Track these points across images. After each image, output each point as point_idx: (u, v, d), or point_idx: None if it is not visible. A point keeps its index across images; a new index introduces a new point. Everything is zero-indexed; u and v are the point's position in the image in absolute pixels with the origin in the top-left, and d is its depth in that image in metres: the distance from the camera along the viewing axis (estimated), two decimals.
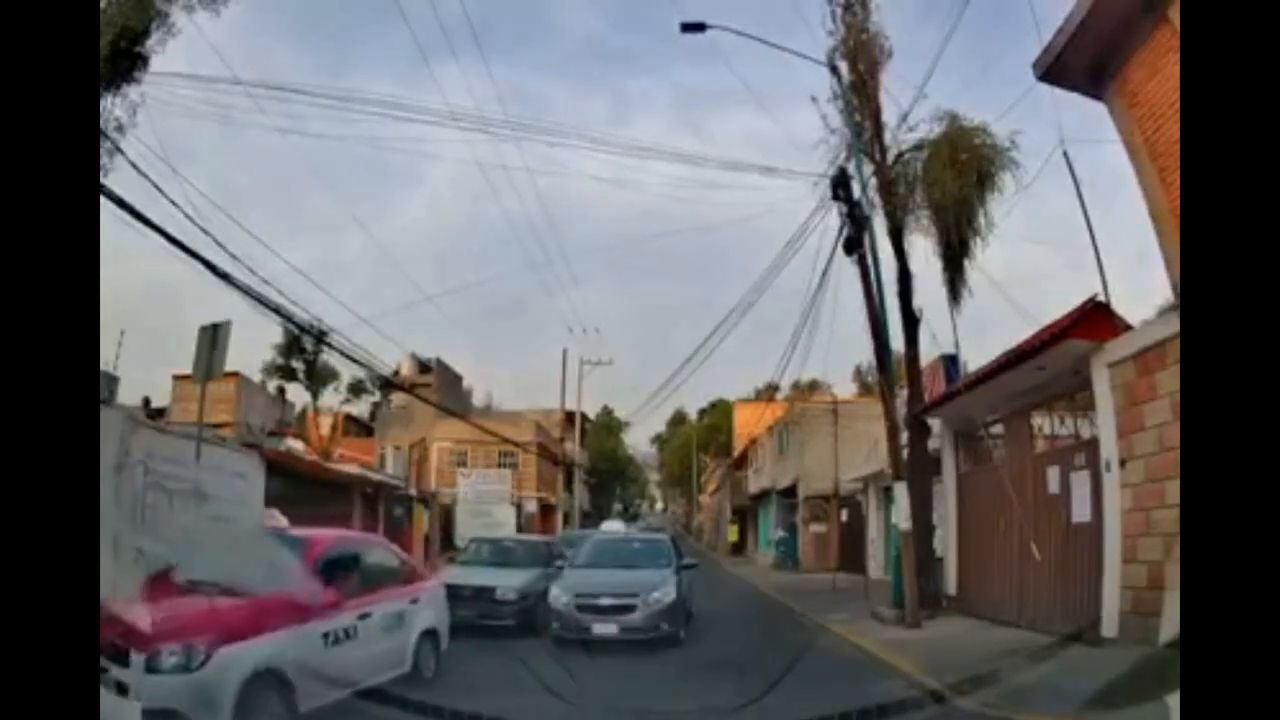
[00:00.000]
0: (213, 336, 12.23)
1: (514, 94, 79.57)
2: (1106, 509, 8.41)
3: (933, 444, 13.06)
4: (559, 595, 10.16)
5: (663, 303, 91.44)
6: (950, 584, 12.16)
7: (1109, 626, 8.14)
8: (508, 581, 11.14)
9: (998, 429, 11.61)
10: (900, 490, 11.42)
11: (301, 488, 16.60)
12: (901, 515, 11.30)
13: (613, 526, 31.02)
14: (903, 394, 13.52)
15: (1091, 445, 8.94)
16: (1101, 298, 9.18)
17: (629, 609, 9.75)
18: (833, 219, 13.34)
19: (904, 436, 12.69)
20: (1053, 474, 9.70)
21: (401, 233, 79.01)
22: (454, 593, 10.48)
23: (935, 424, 12.97)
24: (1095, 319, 8.92)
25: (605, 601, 9.88)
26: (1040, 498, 9.84)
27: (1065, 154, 11.26)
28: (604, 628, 9.69)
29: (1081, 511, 9.03)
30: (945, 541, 12.38)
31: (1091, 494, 8.82)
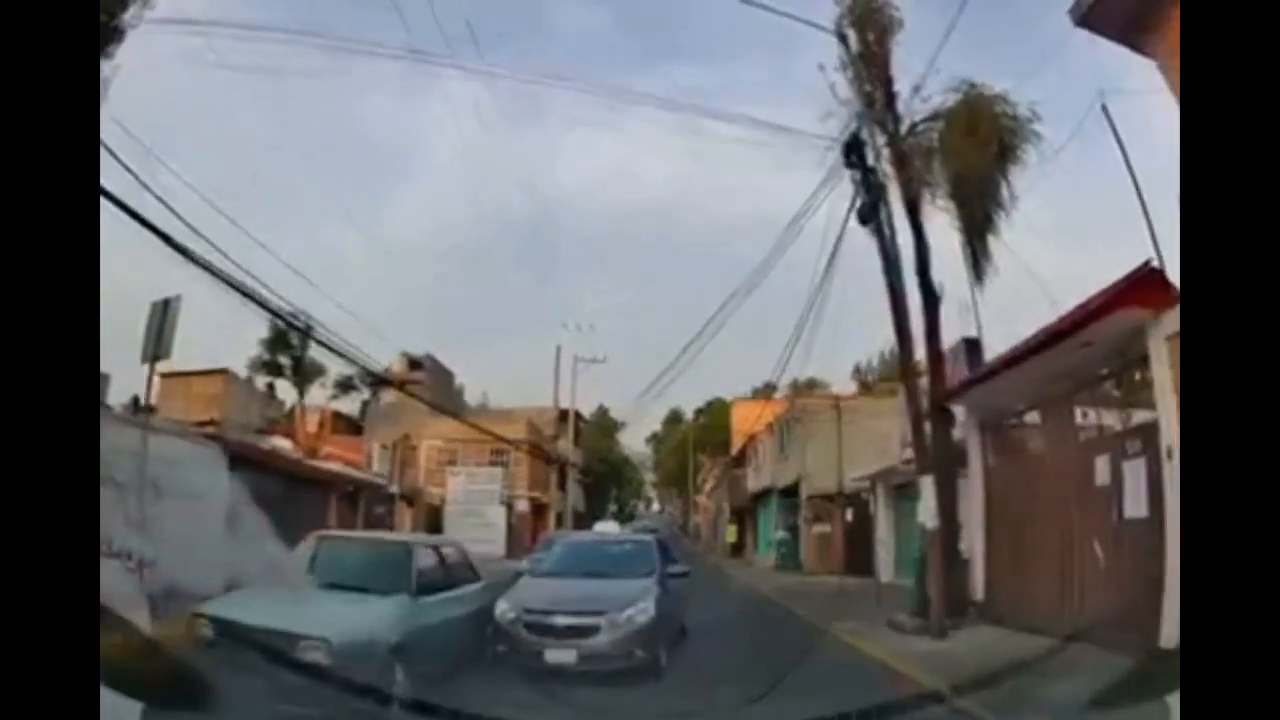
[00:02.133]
0: (163, 312, 11.31)
1: (509, 85, 78.53)
2: (1167, 502, 7.32)
3: (955, 435, 11.96)
4: (506, 610, 8.04)
5: (660, 307, 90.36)
6: (976, 589, 11.03)
7: (1169, 636, 7.07)
8: (325, 625, 5.95)
9: (1031, 417, 10.55)
10: (926, 484, 10.26)
11: (272, 484, 15.50)
12: (928, 512, 10.14)
13: (606, 527, 29.95)
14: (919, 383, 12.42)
15: (1148, 430, 7.85)
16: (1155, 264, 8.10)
17: (591, 630, 7.64)
18: (841, 205, 12.43)
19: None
20: (1101, 464, 8.63)
21: (393, 226, 77.85)
22: (228, 631, 5.86)
23: (958, 413, 11.86)
24: (1150, 287, 7.80)
25: (560, 620, 7.73)
26: (1086, 491, 8.77)
27: (1104, 108, 10.22)
28: (559, 654, 7.55)
29: (1136, 505, 7.97)
30: (971, 542, 11.25)
31: (1148, 485, 7.75)
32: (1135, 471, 8.02)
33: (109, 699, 2.47)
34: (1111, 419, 9.26)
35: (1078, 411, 9.70)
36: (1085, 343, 8.39)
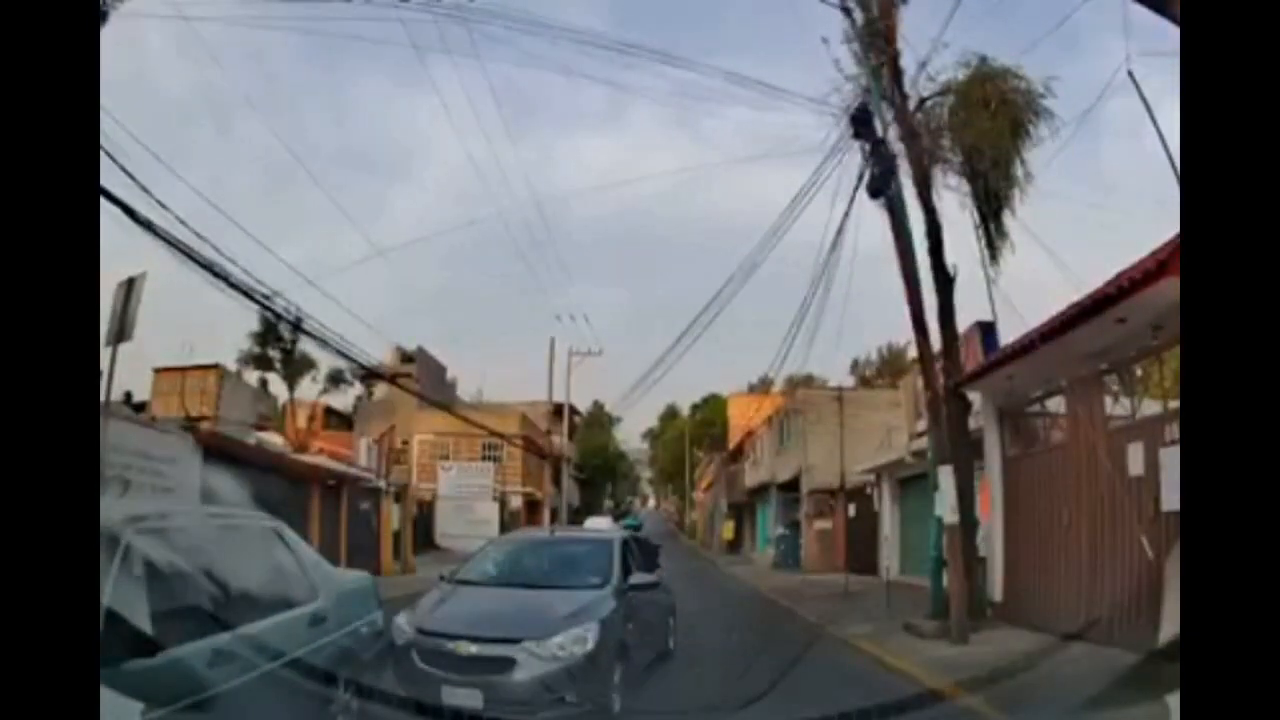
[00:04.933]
0: (127, 292, 10.67)
1: (505, 81, 77.68)
2: None
3: (970, 425, 11.28)
4: (403, 628, 6.15)
5: (660, 303, 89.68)
6: (995, 589, 10.35)
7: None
8: None
9: (1053, 405, 9.88)
10: (945, 475, 9.53)
11: (249, 477, 14.79)
12: (947, 506, 9.41)
13: (598, 523, 29.35)
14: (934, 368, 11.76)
15: None
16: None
17: (504, 664, 5.68)
18: (846, 187, 11.86)
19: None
20: (1134, 452, 7.94)
21: (389, 221, 77.07)
22: None
23: (974, 401, 11.19)
24: None
25: (462, 648, 5.78)
26: (1119, 482, 8.08)
27: (1131, 73, 9.69)
28: (461, 694, 5.59)
29: (1175, 497, 7.27)
30: (989, 538, 10.57)
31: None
32: (1174, 460, 7.35)
33: (109, 699, 2.46)
34: (1143, 405, 8.58)
35: (1106, 398, 9.05)
36: (1120, 319, 7.71)
